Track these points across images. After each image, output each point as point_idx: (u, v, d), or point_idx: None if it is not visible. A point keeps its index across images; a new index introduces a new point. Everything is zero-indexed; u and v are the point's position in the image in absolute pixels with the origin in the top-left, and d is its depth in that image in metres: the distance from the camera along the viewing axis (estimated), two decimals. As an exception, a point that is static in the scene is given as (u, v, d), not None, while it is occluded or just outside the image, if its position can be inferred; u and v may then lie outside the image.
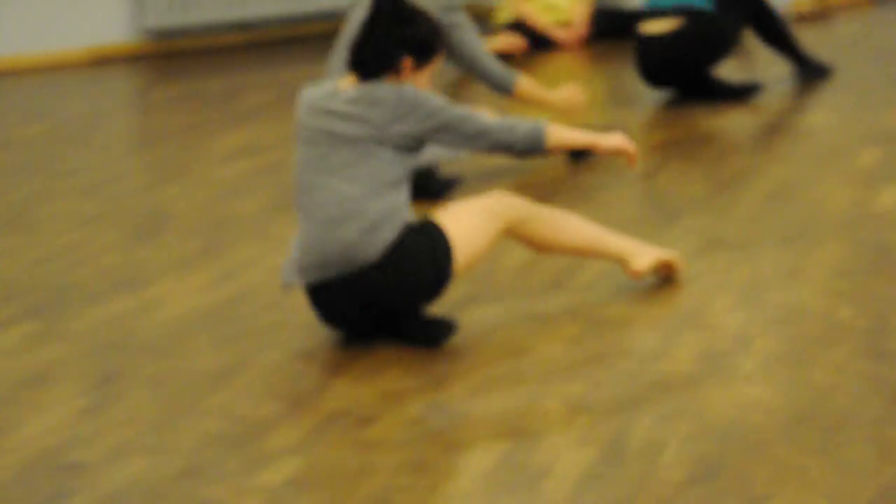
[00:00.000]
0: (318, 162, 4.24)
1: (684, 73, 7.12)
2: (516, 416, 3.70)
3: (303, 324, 4.50)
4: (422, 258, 4.21)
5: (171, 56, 9.78)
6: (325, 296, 4.24)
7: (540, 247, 4.45)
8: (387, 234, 4.17)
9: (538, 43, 9.08)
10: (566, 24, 9.07)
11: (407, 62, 4.31)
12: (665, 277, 4.69)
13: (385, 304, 4.24)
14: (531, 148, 4.35)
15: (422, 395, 3.90)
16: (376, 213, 4.17)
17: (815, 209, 5.34)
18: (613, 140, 4.45)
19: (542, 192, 5.84)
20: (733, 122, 6.66)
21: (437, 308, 4.56)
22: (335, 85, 4.32)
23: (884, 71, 7.62)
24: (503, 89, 6.17)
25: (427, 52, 4.35)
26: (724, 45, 7.08)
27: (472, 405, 3.80)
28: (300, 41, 10.02)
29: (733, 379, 3.85)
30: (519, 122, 4.34)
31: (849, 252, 4.83)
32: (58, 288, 5.02)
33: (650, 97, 7.47)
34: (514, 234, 4.41)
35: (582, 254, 4.52)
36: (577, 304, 4.51)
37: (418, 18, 4.35)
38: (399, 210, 4.21)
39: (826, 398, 3.69)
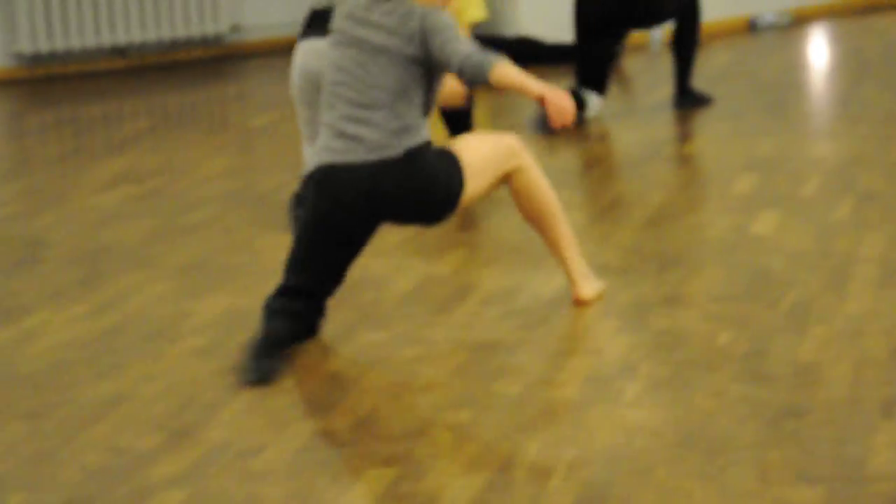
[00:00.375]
0: (353, 66, 4.37)
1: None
2: (404, 444, 3.70)
3: (186, 353, 4.47)
4: (437, 173, 4.36)
5: (45, 81, 9.68)
6: (335, 182, 4.32)
7: (525, 208, 4.63)
8: (412, 140, 4.33)
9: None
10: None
11: None
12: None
13: (390, 202, 4.34)
14: (475, 75, 4.30)
15: (308, 424, 3.89)
16: (404, 119, 4.33)
17: (694, 235, 5.41)
18: (557, 93, 4.35)
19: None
20: (614, 148, 6.73)
21: (326, 331, 4.55)
22: None
23: (758, 99, 7.74)
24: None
25: None
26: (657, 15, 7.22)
27: (360, 433, 3.79)
28: (178, 66, 9.97)
29: (618, 404, 3.89)
30: (477, 52, 4.34)
31: (727, 277, 4.89)
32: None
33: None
34: (511, 180, 4.56)
35: (549, 242, 4.69)
36: (463, 330, 4.52)
37: None
38: (423, 126, 4.39)
39: (708, 422, 3.74)
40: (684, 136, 6.91)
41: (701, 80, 8.01)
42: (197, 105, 9.04)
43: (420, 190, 4.35)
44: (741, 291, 4.73)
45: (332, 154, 4.34)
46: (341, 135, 4.34)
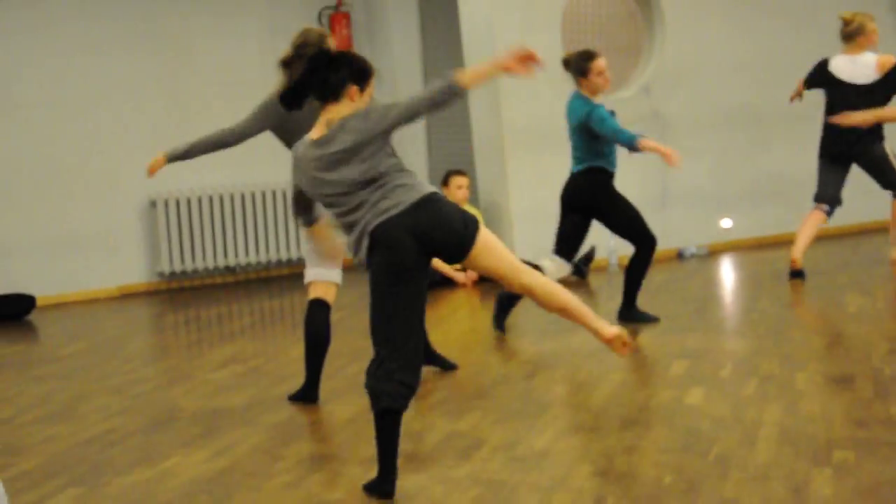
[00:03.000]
0: (349, 187, 4.18)
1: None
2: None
3: (279, 486, 4.44)
4: (455, 209, 4.22)
5: (178, 291, 9.78)
6: (388, 231, 4.11)
7: (550, 307, 4.35)
8: (427, 187, 4.20)
9: (442, 282, 9.19)
10: (463, 269, 9.20)
11: (352, 89, 4.25)
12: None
13: (427, 232, 4.13)
14: (449, 93, 4.12)
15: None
16: (409, 177, 4.20)
17: (645, 402, 5.39)
18: (512, 52, 4.18)
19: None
20: (581, 341, 6.66)
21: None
22: (308, 139, 4.25)
23: (685, 307, 7.76)
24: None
25: (365, 77, 4.29)
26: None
27: (405, 547, 3.74)
28: (270, 280, 10.07)
29: (593, 527, 3.84)
30: (433, 81, 4.20)
31: (669, 434, 4.86)
32: (95, 463, 4.92)
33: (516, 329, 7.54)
34: (532, 295, 4.32)
35: (574, 319, 4.38)
36: (479, 471, 4.47)
37: (350, 57, 4.31)
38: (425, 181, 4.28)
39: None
40: (633, 333, 6.91)
41: (645, 293, 8.04)
42: (284, 308, 9.10)
43: (445, 218, 4.17)
44: (679, 445, 4.70)
45: (380, 217, 4.14)
46: (377, 209, 4.15)
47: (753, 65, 10.07)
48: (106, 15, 9.52)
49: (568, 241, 7.15)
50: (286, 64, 5.56)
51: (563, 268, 7.13)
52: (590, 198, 7.08)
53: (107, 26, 9.53)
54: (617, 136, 6.85)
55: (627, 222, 7.06)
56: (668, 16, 9.66)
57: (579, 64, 7.07)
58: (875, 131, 8.20)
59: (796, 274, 8.28)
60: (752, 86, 10.06)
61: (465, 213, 4.26)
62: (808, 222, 8.36)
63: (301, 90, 4.32)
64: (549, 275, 6.97)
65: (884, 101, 8.12)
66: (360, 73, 4.29)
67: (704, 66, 9.86)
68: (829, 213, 8.41)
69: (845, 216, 10.33)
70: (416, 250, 4.15)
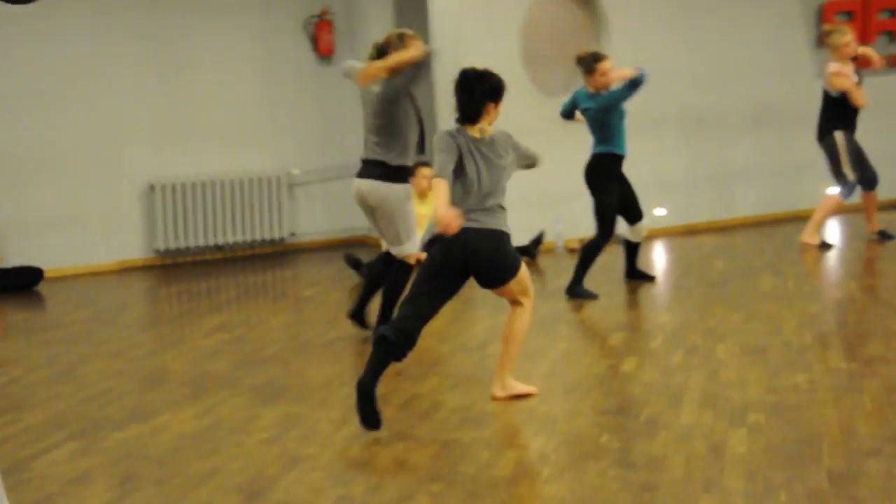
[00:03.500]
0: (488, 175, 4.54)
1: None
2: (398, 504, 3.65)
3: (258, 442, 4.41)
4: (511, 250, 4.61)
5: (171, 267, 9.68)
6: (458, 235, 4.40)
7: (507, 328, 4.80)
8: (505, 225, 4.63)
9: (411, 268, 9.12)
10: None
11: (490, 107, 4.53)
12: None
13: (483, 257, 4.51)
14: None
15: (338, 490, 3.82)
16: (503, 209, 4.63)
17: (585, 371, 5.40)
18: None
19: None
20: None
21: (348, 429, 4.48)
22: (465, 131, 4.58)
23: (622, 286, 7.76)
24: None
25: (499, 95, 4.56)
26: None
27: (371, 497, 3.73)
28: (255, 258, 9.99)
29: (538, 481, 3.85)
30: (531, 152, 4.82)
31: (606, 398, 4.87)
32: (94, 419, 4.87)
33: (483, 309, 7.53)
34: (516, 306, 4.77)
35: (503, 355, 4.82)
36: (437, 430, 4.48)
37: (488, 76, 4.56)
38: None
39: (595, 494, 3.70)
40: (578, 309, 6.93)
41: (589, 275, 8.05)
42: (267, 282, 9.04)
43: (500, 257, 4.54)
44: (614, 408, 4.72)
45: (473, 223, 4.51)
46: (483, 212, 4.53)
47: (692, 70, 10.08)
48: (112, 14, 9.39)
49: (628, 209, 7.31)
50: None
51: (642, 228, 7.44)
52: (591, 176, 7.17)
53: (113, 25, 9.39)
54: (628, 88, 6.98)
55: (600, 209, 7.13)
56: (614, 26, 9.65)
57: (589, 63, 7.13)
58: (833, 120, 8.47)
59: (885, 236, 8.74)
60: (690, 89, 10.07)
61: (515, 257, 4.61)
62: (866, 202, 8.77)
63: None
64: (642, 230, 7.41)
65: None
66: (494, 91, 4.56)
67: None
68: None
69: (763, 206, 10.39)
70: (459, 267, 4.50)
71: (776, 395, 4.75)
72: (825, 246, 8.61)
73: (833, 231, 9.72)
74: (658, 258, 8.68)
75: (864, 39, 10.36)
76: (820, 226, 8.68)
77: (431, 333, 6.46)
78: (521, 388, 4.87)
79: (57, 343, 6.57)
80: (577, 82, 10.01)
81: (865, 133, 8.77)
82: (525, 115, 9.24)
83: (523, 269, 4.67)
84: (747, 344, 5.72)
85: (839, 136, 8.49)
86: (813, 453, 3.99)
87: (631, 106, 10.12)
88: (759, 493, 3.61)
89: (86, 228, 9.43)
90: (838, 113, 8.49)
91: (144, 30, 9.53)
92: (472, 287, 7.77)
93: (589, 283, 7.48)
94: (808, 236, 8.67)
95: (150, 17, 9.54)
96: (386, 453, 4.20)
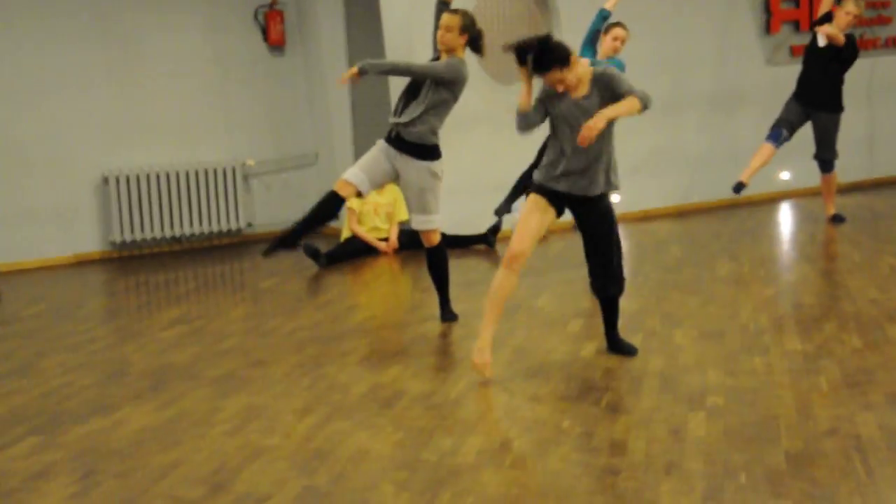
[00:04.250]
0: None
1: None
2: (361, 494, 3.65)
3: (220, 434, 4.38)
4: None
5: (128, 259, 9.58)
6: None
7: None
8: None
9: (367, 250, 9.12)
10: (385, 239, 9.16)
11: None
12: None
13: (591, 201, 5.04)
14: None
15: (300, 482, 3.81)
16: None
17: (546, 357, 5.41)
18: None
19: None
20: (474, 308, 6.66)
21: (309, 421, 4.47)
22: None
23: (580, 271, 7.75)
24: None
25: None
26: None
27: (335, 486, 3.73)
28: (213, 249, 9.91)
29: (502, 466, 3.87)
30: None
31: (567, 384, 4.89)
32: (54, 413, 4.81)
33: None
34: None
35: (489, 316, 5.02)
36: (400, 418, 4.49)
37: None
38: None
39: (557, 478, 3.73)
40: (536, 294, 6.95)
41: (543, 261, 8.09)
42: (225, 274, 8.98)
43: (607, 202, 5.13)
44: (575, 394, 4.74)
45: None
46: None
47: (638, 57, 10.14)
48: (59, 10, 9.25)
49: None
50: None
51: None
52: None
53: (60, 21, 9.25)
54: (591, 28, 7.18)
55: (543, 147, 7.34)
56: (563, 15, 9.69)
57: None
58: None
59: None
60: (638, 77, 10.10)
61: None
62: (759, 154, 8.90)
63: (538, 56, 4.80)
64: None
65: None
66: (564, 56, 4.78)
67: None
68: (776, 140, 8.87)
69: (718, 192, 10.49)
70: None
71: (734, 379, 4.81)
72: (837, 219, 8.90)
73: (786, 214, 9.85)
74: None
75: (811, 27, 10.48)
76: (755, 172, 8.86)
77: (392, 324, 6.47)
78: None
79: (13, 338, 6.47)
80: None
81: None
82: (479, 103, 9.24)
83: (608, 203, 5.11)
84: (704, 328, 5.78)
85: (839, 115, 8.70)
86: (771, 435, 4.05)
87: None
88: (719, 475, 3.65)
89: (39, 222, 9.30)
90: (841, 90, 8.67)
91: (94, 22, 9.40)
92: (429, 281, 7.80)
93: (547, 268, 7.51)
94: (745, 177, 8.81)
95: (99, 11, 9.42)
96: (349, 443, 4.20)
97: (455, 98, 6.13)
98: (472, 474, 3.79)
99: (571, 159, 4.96)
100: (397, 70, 6.04)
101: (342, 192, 6.00)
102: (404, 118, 6.00)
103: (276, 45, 10.18)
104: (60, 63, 9.27)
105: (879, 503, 3.39)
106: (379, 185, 6.14)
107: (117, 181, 9.49)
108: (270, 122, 10.23)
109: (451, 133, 9.25)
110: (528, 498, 3.53)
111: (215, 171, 9.92)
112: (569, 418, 4.37)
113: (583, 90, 4.90)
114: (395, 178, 6.14)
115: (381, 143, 6.11)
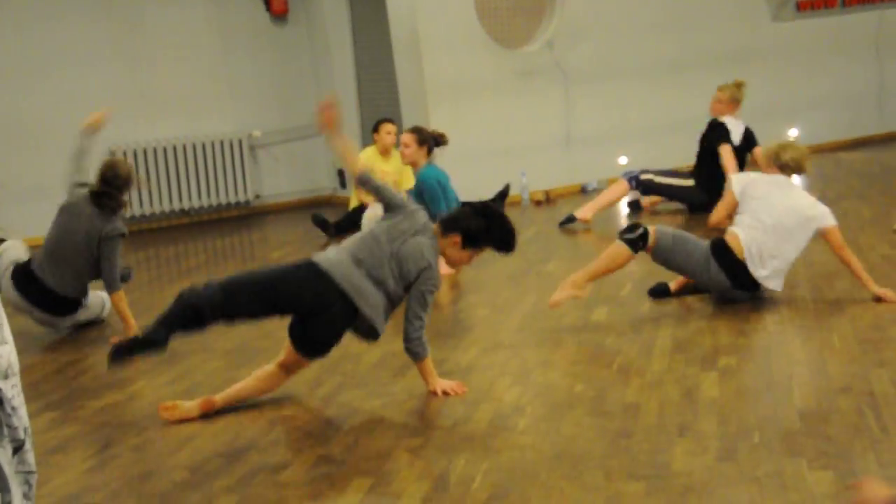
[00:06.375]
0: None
1: None
2: (376, 462, 3.66)
3: (233, 406, 4.39)
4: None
5: (139, 233, 9.56)
6: None
7: None
8: None
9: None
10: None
11: (456, 238, 4.21)
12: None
13: None
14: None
15: (315, 450, 3.82)
16: None
17: (557, 322, 5.39)
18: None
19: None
20: (499, 268, 6.65)
21: (323, 389, 4.48)
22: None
23: (588, 238, 7.75)
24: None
25: (475, 242, 4.22)
26: None
27: (348, 455, 3.74)
28: (222, 221, 9.91)
29: (514, 432, 3.87)
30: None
31: (578, 349, 4.89)
32: (69, 389, 4.83)
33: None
34: None
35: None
36: (412, 386, 4.49)
37: (491, 221, 4.21)
38: None
39: (571, 442, 3.73)
40: (546, 259, 6.93)
41: (551, 225, 8.07)
42: (234, 245, 8.98)
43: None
44: (587, 358, 4.74)
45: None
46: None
47: (644, 19, 10.05)
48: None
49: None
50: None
51: None
52: None
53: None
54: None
55: None
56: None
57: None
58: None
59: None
60: (643, 38, 10.04)
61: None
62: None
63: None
64: None
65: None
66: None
67: (600, 23, 9.81)
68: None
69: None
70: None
71: (746, 338, 4.80)
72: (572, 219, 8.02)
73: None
74: (622, 206, 8.68)
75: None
76: (602, 208, 8.09)
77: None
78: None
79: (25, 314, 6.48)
80: (539, 33, 10.01)
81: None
82: (485, 69, 9.19)
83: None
84: (715, 288, 5.75)
85: None
86: (784, 393, 4.03)
87: (591, 56, 10.06)
88: (733, 435, 3.65)
89: (49, 198, 9.27)
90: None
91: (98, -5, 9.36)
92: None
93: (557, 233, 7.49)
94: (584, 213, 7.95)
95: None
96: (362, 411, 4.20)
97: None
98: (485, 440, 3.79)
99: None
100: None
101: None
102: None
103: (279, 15, 10.11)
104: (65, 38, 9.23)
105: (894, 459, 3.38)
106: None
107: (124, 155, 9.48)
108: (276, 92, 10.19)
109: (455, 100, 9.22)
110: (542, 462, 3.53)
111: (222, 144, 9.90)
112: (581, 382, 4.36)
113: None
114: None
115: None
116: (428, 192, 6.81)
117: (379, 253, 4.16)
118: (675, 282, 5.68)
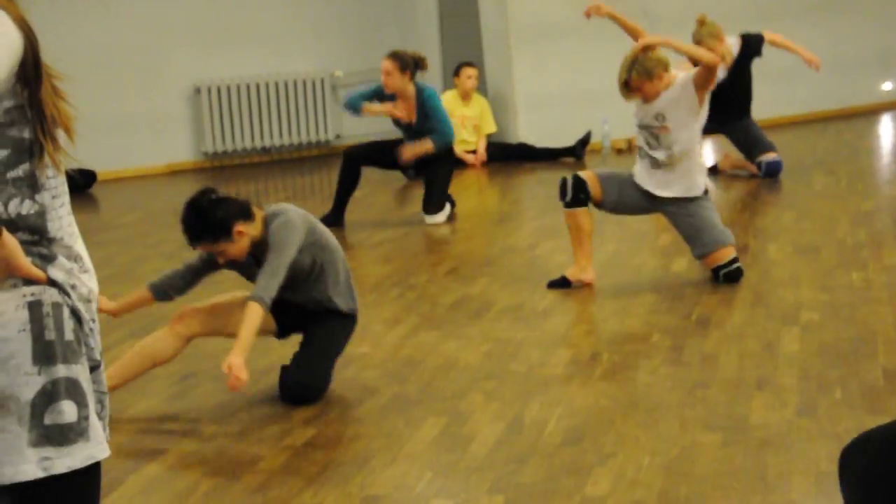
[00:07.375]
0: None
1: None
2: (452, 402, 3.68)
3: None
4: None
5: (219, 169, 9.70)
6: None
7: None
8: None
9: (455, 163, 9.05)
10: (472, 151, 9.10)
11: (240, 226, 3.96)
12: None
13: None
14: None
15: (391, 389, 3.85)
16: None
17: (636, 271, 5.36)
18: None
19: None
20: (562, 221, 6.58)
21: (399, 330, 4.51)
22: None
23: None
24: None
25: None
26: None
27: (424, 395, 3.77)
28: (303, 160, 9.98)
29: (590, 378, 3.86)
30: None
31: (657, 298, 4.84)
32: (153, 317, 4.91)
33: (533, 196, 7.46)
34: None
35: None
36: (488, 329, 4.49)
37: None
38: None
39: (647, 391, 3.71)
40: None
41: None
42: (314, 184, 9.05)
43: None
44: (665, 308, 4.69)
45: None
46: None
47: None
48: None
49: None
50: None
51: None
52: None
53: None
54: None
55: None
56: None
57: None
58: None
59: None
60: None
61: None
62: None
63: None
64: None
65: None
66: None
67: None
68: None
69: (817, 102, 10.14)
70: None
71: (829, 294, 4.70)
72: None
73: (887, 127, 9.50)
74: (707, 157, 8.52)
75: None
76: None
77: (480, 234, 6.45)
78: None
79: (112, 244, 6.63)
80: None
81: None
82: (567, 12, 9.04)
83: None
84: (800, 243, 5.65)
85: None
86: (868, 351, 3.95)
87: (677, 1, 9.85)
88: (813, 390, 3.59)
89: (135, 131, 9.45)
90: None
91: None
92: (519, 188, 7.74)
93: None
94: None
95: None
96: (438, 352, 4.22)
97: None
98: (560, 385, 3.79)
99: None
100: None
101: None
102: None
103: (366, -48, 10.06)
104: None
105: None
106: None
107: (209, 91, 9.57)
108: (358, 33, 10.17)
109: (539, 44, 9.10)
110: (616, 409, 3.52)
111: (304, 83, 9.94)
112: (658, 332, 4.33)
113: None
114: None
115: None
116: (435, 111, 6.66)
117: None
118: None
